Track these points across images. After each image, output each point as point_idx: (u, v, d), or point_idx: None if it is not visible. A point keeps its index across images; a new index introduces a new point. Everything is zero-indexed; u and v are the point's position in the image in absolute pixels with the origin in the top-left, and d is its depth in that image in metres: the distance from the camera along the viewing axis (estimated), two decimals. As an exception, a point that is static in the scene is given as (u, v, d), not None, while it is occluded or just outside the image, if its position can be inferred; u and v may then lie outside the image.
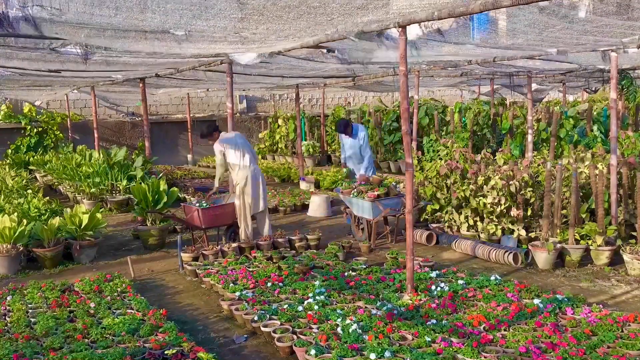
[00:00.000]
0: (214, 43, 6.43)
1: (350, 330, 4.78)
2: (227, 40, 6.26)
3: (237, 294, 5.94)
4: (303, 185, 13.52)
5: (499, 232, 7.76)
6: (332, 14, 5.24)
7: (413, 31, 5.81)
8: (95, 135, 15.43)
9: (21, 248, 7.59)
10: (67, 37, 5.75)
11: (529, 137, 11.68)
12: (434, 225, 8.64)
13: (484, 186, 7.92)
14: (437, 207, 8.66)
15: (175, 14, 5.03)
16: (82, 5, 4.71)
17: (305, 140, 18.44)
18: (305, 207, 10.96)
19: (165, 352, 4.52)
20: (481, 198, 7.89)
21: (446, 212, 8.50)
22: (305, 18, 5.34)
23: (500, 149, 11.19)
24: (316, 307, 5.41)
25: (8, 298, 6.15)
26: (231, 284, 6.28)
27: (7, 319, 5.58)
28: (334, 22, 5.55)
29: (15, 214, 7.94)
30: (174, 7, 4.87)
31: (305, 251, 7.76)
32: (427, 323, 4.96)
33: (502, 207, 7.71)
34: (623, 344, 4.45)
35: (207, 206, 7.95)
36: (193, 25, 5.43)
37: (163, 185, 8.76)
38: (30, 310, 5.74)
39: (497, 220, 7.82)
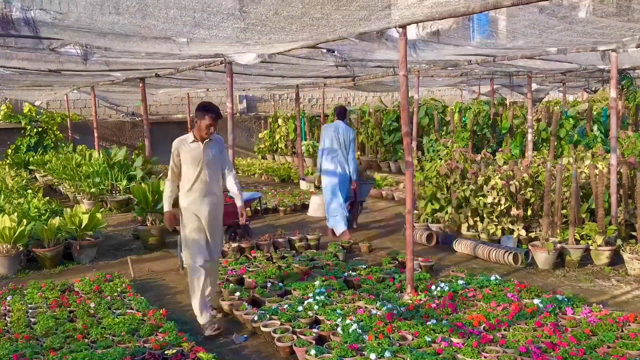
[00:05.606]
0: (215, 47, 6.42)
1: (350, 330, 4.78)
2: (228, 46, 6.25)
3: (237, 294, 5.95)
4: (303, 185, 13.53)
5: (499, 232, 7.76)
6: (334, 25, 5.23)
7: (413, 32, 5.81)
8: (95, 135, 15.42)
9: (21, 248, 7.58)
10: (67, 39, 5.75)
11: (529, 137, 11.68)
12: (434, 225, 8.64)
13: (484, 186, 7.92)
14: (437, 207, 8.66)
15: (178, 22, 5.02)
16: (84, 10, 4.71)
17: (305, 140, 18.44)
18: (305, 207, 10.95)
19: (165, 352, 4.52)
20: (481, 198, 7.89)
21: (446, 212, 8.50)
22: (308, 30, 5.32)
23: (500, 149, 11.19)
24: (316, 307, 5.41)
25: (8, 298, 6.15)
26: (231, 284, 6.29)
27: (7, 319, 5.58)
28: (337, 33, 5.54)
29: (15, 214, 7.94)
30: (176, 15, 4.85)
31: (305, 251, 7.76)
32: (427, 323, 4.95)
33: (502, 207, 7.71)
34: (623, 344, 4.45)
35: None
36: (195, 34, 5.42)
37: (163, 185, 8.74)
38: (30, 310, 5.74)
39: (497, 220, 7.82)
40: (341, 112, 8.88)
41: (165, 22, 5.01)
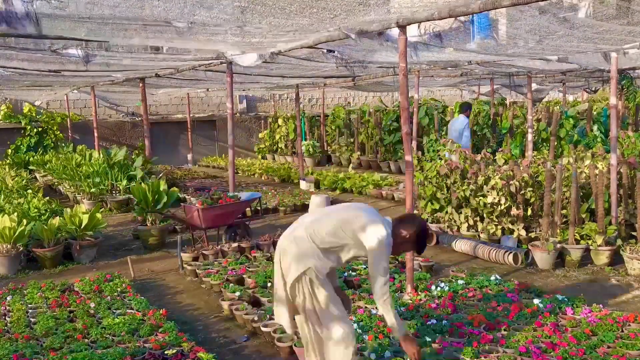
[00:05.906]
0: (215, 36, 6.40)
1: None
2: (228, 34, 6.23)
3: (237, 293, 5.95)
4: (303, 185, 13.52)
5: (499, 232, 7.76)
6: (334, 9, 5.26)
7: (413, 33, 5.80)
8: (95, 135, 15.43)
9: (21, 248, 7.58)
10: (68, 32, 5.74)
11: (529, 137, 11.68)
12: (434, 225, 8.64)
13: (484, 186, 7.92)
14: (437, 207, 8.66)
15: (179, 2, 5.05)
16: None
17: (305, 140, 18.44)
18: (305, 207, 10.94)
19: (165, 352, 4.52)
20: (481, 198, 7.89)
21: (446, 212, 8.50)
22: (308, 14, 5.35)
23: (500, 149, 11.18)
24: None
25: (8, 298, 6.15)
26: (231, 284, 6.29)
27: (7, 319, 5.58)
28: (337, 20, 5.56)
29: (15, 214, 7.94)
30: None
31: (305, 251, 7.74)
32: (427, 323, 4.96)
33: (502, 207, 7.71)
34: (623, 344, 4.46)
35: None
36: (196, 16, 5.44)
37: (163, 185, 8.75)
38: (30, 310, 5.74)
39: (497, 220, 7.82)
40: (460, 108, 11.62)
41: (165, 2, 5.05)
